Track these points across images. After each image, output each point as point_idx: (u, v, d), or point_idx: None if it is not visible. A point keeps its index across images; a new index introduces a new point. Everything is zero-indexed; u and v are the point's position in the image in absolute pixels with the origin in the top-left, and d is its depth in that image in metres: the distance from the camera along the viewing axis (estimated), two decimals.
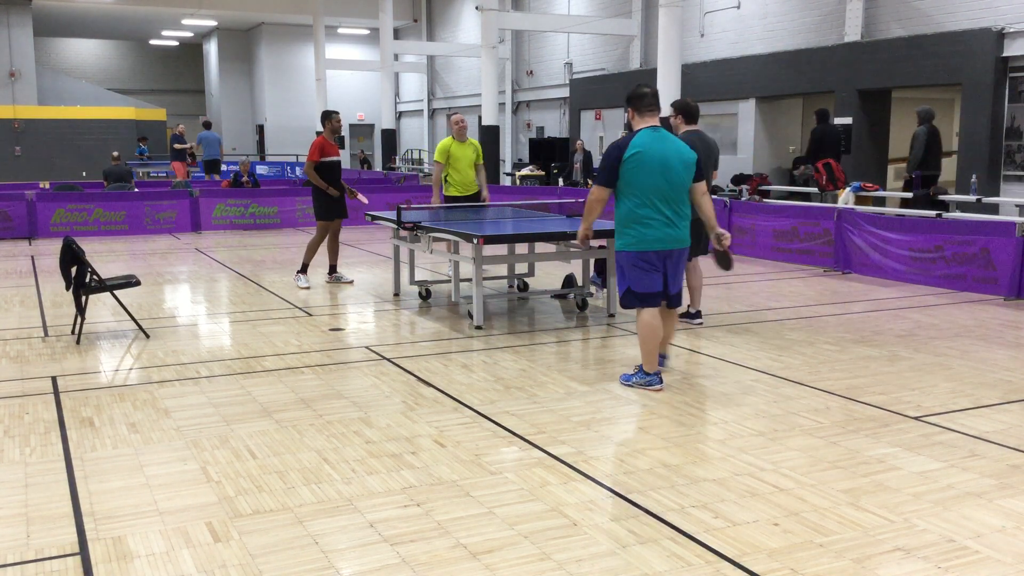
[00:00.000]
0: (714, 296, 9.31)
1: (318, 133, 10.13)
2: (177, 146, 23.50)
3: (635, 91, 5.77)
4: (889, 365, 6.43)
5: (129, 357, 6.83)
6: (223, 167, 26.26)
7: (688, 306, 7.74)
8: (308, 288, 9.82)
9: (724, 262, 6.17)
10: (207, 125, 24.97)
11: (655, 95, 5.76)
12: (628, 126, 5.90)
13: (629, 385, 5.88)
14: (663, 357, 6.28)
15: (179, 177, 22.46)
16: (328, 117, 9.89)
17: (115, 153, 19.41)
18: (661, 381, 5.82)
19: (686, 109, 7.35)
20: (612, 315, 8.17)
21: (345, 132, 32.22)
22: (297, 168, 29.33)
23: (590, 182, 18.86)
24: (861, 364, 6.45)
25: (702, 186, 5.87)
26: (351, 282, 10.18)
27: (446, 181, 10.04)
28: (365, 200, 10.35)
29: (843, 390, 5.77)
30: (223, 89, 38.50)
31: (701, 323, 7.81)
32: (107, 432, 4.98)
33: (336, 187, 9.78)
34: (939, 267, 9.71)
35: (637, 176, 5.55)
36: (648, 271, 5.68)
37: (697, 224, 7.26)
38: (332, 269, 10.24)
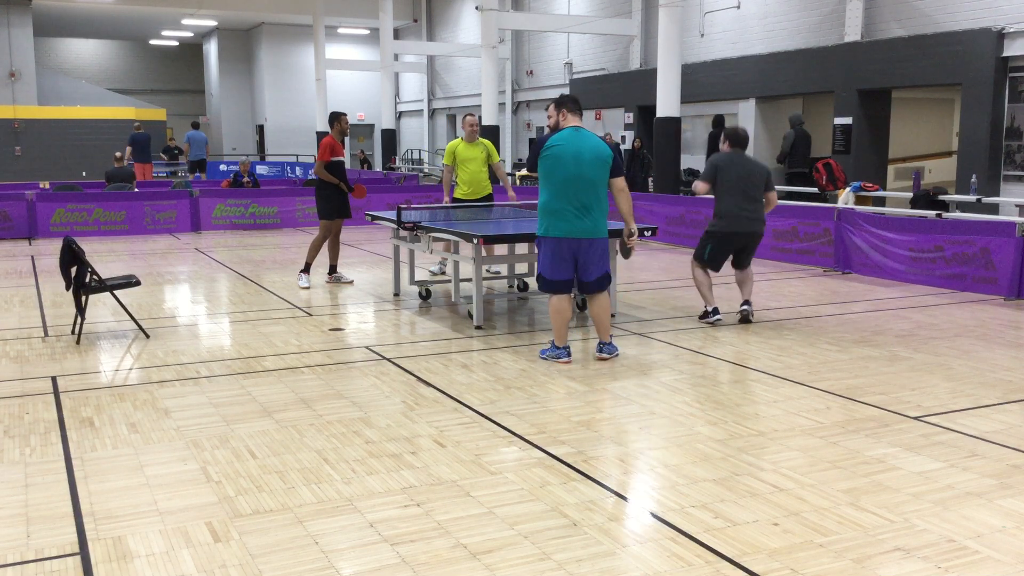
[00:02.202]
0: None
1: (319, 133, 10.22)
2: (171, 143, 23.53)
3: (568, 96, 6.52)
4: (889, 365, 6.43)
5: (129, 357, 6.83)
6: (223, 167, 26.31)
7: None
8: (308, 288, 9.84)
9: (625, 253, 7.03)
10: (195, 126, 25.00)
11: (575, 101, 6.47)
12: (555, 127, 6.55)
13: (545, 358, 6.54)
14: (609, 345, 6.61)
15: (140, 178, 22.25)
16: (337, 118, 9.96)
17: (118, 154, 19.40)
18: (569, 355, 6.51)
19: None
20: (612, 315, 8.16)
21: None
22: (297, 168, 29.33)
23: None
24: (861, 364, 6.45)
25: (618, 182, 6.46)
26: (351, 282, 10.19)
27: (455, 182, 10.19)
28: (364, 192, 10.36)
29: (843, 390, 5.77)
30: (223, 89, 38.51)
31: (720, 319, 7.94)
32: (107, 432, 4.98)
33: (345, 185, 9.87)
34: (939, 267, 9.71)
35: (552, 169, 6.23)
36: (558, 259, 6.32)
37: (706, 235, 7.94)
38: (332, 269, 10.26)
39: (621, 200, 6.52)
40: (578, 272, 6.43)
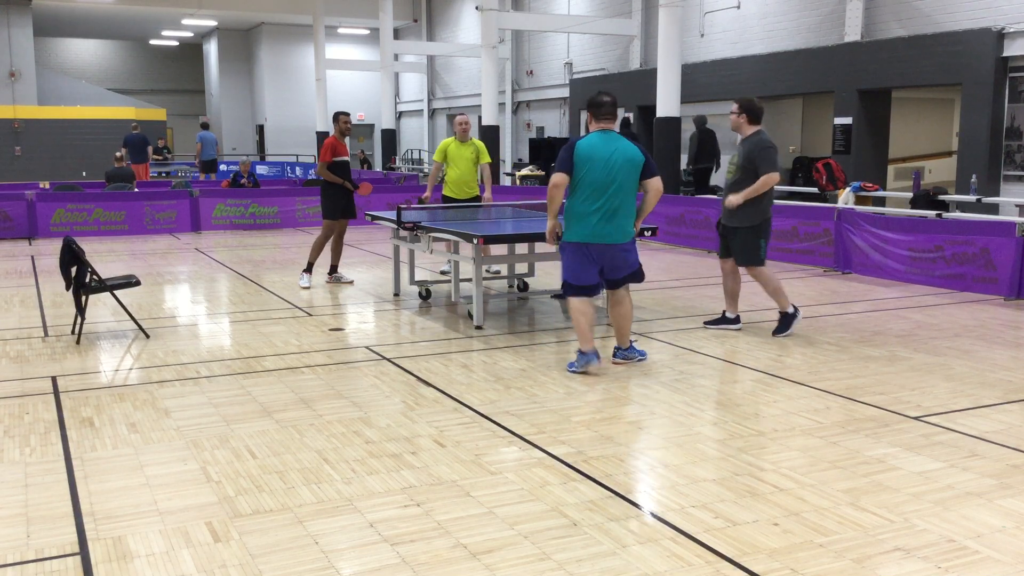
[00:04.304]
0: (714, 296, 9.31)
1: (319, 133, 10.25)
2: (160, 143, 23.40)
3: (596, 98, 6.18)
4: (889, 365, 6.43)
5: (129, 357, 6.83)
6: (223, 167, 26.27)
7: (724, 312, 7.66)
8: (309, 288, 9.84)
9: None
10: (205, 126, 24.93)
11: (613, 104, 6.18)
12: (586, 128, 6.32)
13: (574, 371, 6.21)
14: (627, 351, 6.41)
15: (140, 178, 22.10)
16: (336, 118, 9.98)
17: (118, 154, 19.41)
18: (598, 358, 6.23)
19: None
20: None
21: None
22: (297, 168, 29.33)
23: None
24: (861, 364, 6.45)
25: (653, 183, 6.16)
26: (351, 282, 10.19)
27: (443, 181, 10.25)
28: (369, 189, 10.37)
29: (843, 390, 5.77)
30: (223, 89, 38.49)
31: (739, 328, 7.54)
32: (107, 432, 4.98)
33: (350, 184, 9.87)
34: (939, 267, 9.71)
35: (581, 173, 6.00)
36: (585, 264, 6.12)
37: (746, 232, 7.18)
38: (333, 269, 10.26)
39: (649, 200, 6.18)
40: (604, 272, 6.23)
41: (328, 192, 9.89)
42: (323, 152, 9.80)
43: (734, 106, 7.28)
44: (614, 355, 6.50)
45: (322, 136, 31.27)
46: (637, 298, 9.17)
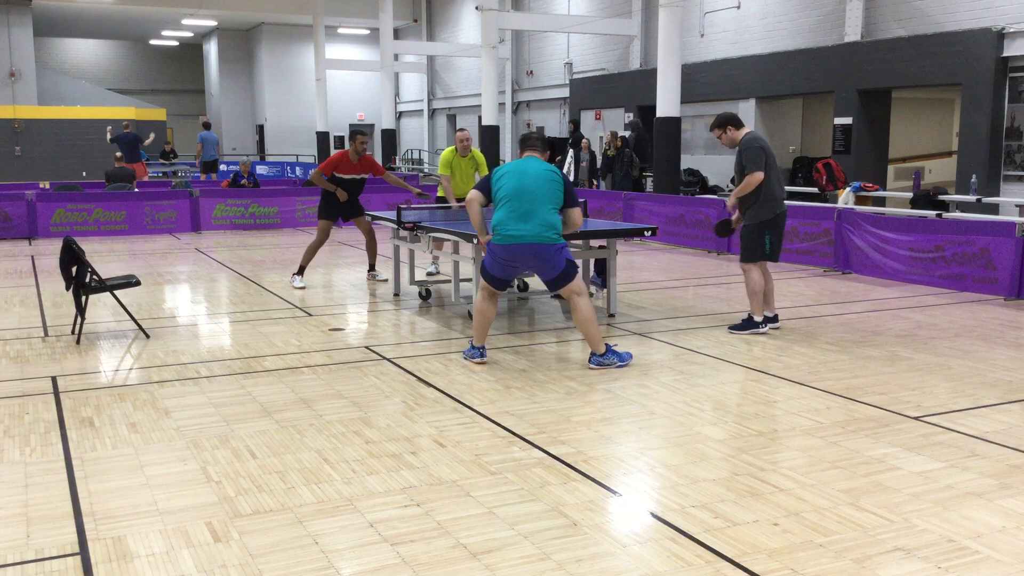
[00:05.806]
0: (714, 296, 9.32)
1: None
2: (167, 147, 23.37)
3: (525, 133, 6.86)
4: (889, 365, 6.43)
5: (129, 357, 6.83)
6: (223, 167, 26.25)
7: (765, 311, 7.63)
8: (304, 288, 9.83)
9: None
10: (207, 126, 24.90)
11: (540, 139, 6.77)
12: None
13: (465, 358, 6.62)
14: (602, 356, 6.37)
15: (140, 177, 21.97)
16: (353, 137, 9.72)
17: (118, 154, 19.40)
18: (483, 355, 6.57)
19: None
20: (612, 315, 8.18)
21: (345, 132, 32.37)
22: (297, 168, 29.33)
23: (595, 181, 18.96)
24: (861, 364, 6.45)
25: (568, 213, 6.49)
26: (385, 280, 10.18)
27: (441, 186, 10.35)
28: (417, 191, 10.30)
29: (843, 390, 5.77)
30: (223, 89, 38.52)
31: (779, 327, 7.58)
32: (107, 432, 4.98)
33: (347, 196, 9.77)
34: (939, 267, 9.71)
35: (499, 189, 6.47)
36: (496, 263, 6.49)
37: (751, 228, 7.41)
38: (371, 267, 10.34)
39: (568, 227, 6.52)
40: (539, 275, 6.56)
41: (326, 193, 9.84)
42: (325, 163, 9.72)
43: (714, 131, 7.47)
44: (589, 360, 6.40)
45: (322, 136, 31.29)
46: (638, 298, 9.17)
